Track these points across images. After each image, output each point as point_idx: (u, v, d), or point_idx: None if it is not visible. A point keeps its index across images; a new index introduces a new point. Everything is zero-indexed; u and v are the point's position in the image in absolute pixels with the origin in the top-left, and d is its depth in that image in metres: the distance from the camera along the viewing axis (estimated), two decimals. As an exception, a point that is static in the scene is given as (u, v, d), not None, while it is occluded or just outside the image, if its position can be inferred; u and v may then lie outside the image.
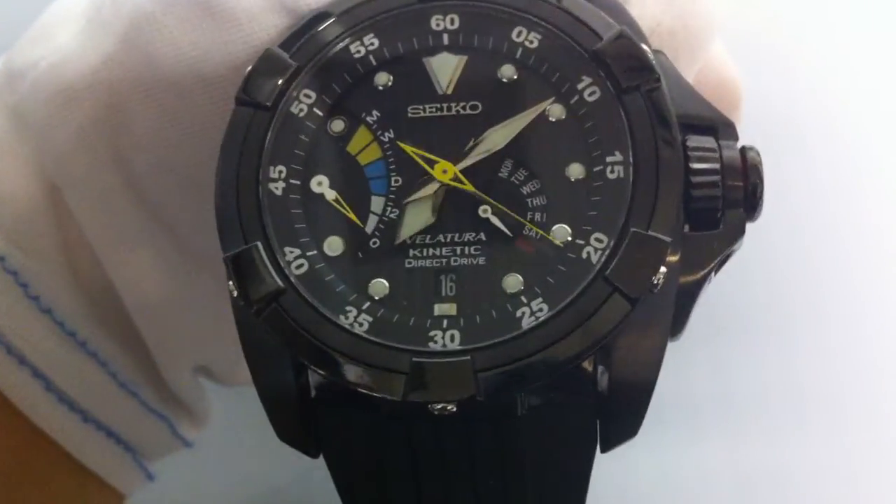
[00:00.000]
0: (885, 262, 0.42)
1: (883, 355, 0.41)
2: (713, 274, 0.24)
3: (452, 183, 0.24)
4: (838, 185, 0.44)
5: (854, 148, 0.44)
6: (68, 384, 0.30)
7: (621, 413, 0.24)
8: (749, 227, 0.24)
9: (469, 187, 0.24)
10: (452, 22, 0.25)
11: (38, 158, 0.29)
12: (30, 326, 0.29)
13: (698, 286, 0.24)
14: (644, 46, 0.24)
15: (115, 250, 0.29)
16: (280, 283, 0.23)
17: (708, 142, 0.24)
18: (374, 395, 0.22)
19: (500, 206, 0.24)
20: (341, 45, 0.25)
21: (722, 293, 0.29)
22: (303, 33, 0.25)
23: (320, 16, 0.26)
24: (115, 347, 0.31)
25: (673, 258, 0.23)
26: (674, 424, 0.38)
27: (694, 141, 0.24)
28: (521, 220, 0.24)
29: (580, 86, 0.24)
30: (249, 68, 0.25)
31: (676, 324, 0.24)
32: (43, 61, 0.29)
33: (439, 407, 0.22)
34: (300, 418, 0.25)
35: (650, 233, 0.22)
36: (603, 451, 0.24)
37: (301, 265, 0.24)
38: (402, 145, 0.24)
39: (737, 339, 0.41)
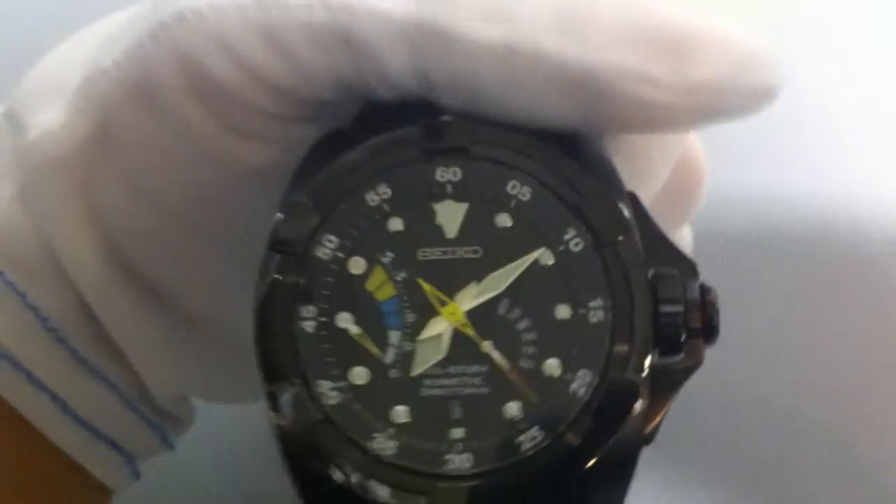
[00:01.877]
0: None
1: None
2: (675, 394, 0.29)
3: (459, 326, 0.28)
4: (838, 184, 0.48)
5: (854, 147, 0.48)
6: (80, 405, 0.34)
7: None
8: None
9: (471, 333, 0.28)
10: (455, 174, 0.29)
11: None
12: (47, 354, 0.34)
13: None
14: (621, 204, 0.28)
15: (99, 304, 0.34)
16: (320, 415, 0.27)
17: (674, 286, 0.28)
18: None
19: (494, 354, 0.28)
20: (358, 194, 0.29)
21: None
22: (322, 178, 0.29)
23: (337, 162, 0.29)
24: (117, 370, 0.35)
25: (645, 393, 0.28)
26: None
27: (662, 285, 0.28)
28: (516, 355, 0.28)
29: (566, 237, 0.28)
30: (279, 216, 0.28)
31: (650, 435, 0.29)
32: (33, 130, 0.33)
33: None
34: None
35: (627, 376, 0.27)
36: None
37: (333, 396, 0.28)
38: (421, 283, 0.28)
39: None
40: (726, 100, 0.27)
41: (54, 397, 0.34)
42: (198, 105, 0.30)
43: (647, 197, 0.32)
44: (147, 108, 0.30)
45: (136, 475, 0.38)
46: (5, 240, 0.33)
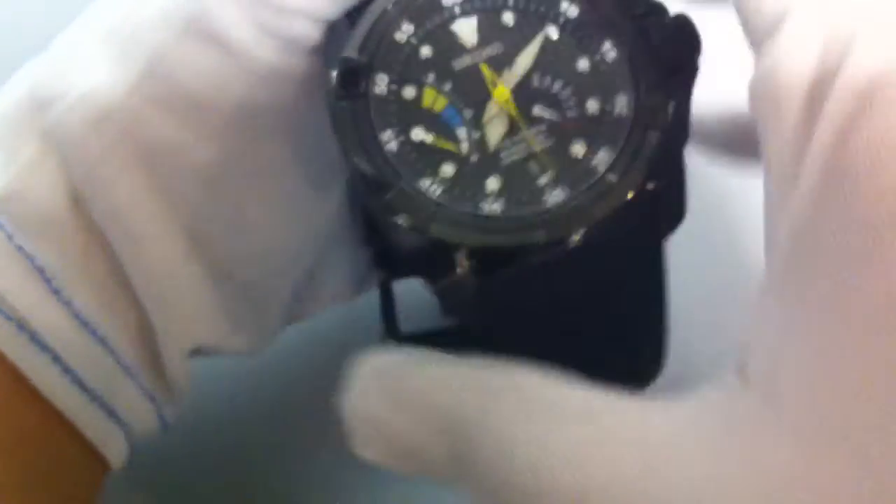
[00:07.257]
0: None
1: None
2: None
3: (507, 103, 0.34)
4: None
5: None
6: (81, 367, 0.35)
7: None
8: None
9: (515, 109, 0.34)
10: None
11: (65, 173, 0.35)
12: (55, 317, 0.35)
13: None
14: None
15: (134, 247, 0.35)
16: (433, 206, 0.33)
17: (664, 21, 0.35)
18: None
19: (545, 113, 0.34)
20: (389, 37, 0.34)
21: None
22: (358, 33, 0.34)
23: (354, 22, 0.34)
24: (123, 336, 0.36)
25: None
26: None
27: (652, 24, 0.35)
28: (561, 108, 0.34)
29: (562, 8, 0.35)
30: (336, 73, 0.34)
31: None
32: (73, 90, 0.35)
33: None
34: None
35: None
36: None
37: (436, 190, 0.33)
38: (483, 68, 0.34)
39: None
40: None
41: (56, 358, 0.34)
42: (244, 19, 0.33)
43: None
44: (200, 40, 0.34)
45: (130, 452, 0.38)
46: (17, 205, 0.35)
